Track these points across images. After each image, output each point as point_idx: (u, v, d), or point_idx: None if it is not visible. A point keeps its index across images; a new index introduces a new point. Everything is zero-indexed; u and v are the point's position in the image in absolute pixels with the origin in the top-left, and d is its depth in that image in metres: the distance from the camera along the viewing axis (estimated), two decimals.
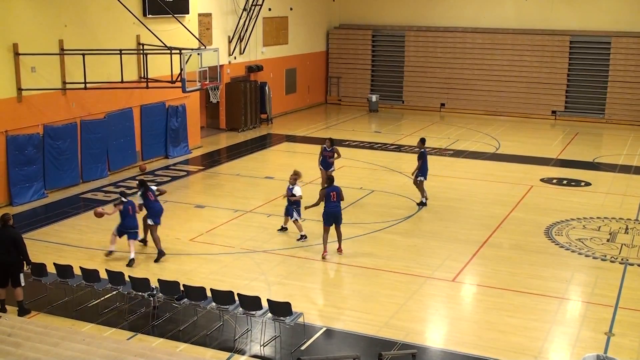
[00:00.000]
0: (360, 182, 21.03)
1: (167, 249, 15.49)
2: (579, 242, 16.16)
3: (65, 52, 19.60)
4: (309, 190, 19.77)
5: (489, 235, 16.65)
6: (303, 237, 16.00)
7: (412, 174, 18.95)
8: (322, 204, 15.26)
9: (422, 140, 19.04)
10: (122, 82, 19.85)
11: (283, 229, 16.58)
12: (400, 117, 33.29)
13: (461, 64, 33.81)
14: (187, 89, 19.73)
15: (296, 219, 16.03)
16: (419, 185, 18.77)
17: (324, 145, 19.18)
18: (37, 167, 19.18)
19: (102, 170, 21.30)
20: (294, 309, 11.35)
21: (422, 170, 18.63)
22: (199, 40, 22.93)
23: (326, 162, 19.07)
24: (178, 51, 19.33)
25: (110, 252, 14.93)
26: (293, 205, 16.02)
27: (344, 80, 36.23)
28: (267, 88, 30.15)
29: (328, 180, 15.60)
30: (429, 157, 18.97)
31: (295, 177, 16.13)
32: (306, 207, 15.67)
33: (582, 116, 32.12)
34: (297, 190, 15.99)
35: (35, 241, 15.71)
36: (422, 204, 18.81)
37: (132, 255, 14.55)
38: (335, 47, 36.22)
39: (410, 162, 23.61)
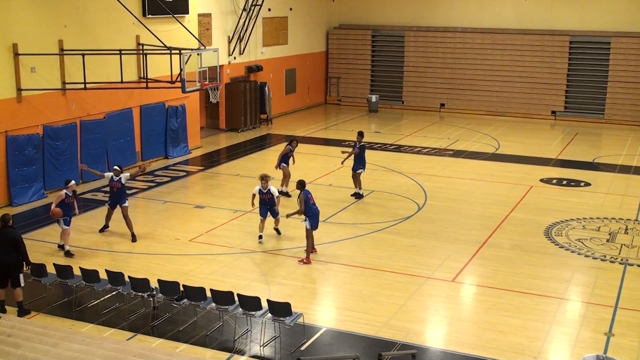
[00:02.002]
0: None
1: (167, 250, 15.52)
2: (579, 243, 16.16)
3: (64, 52, 19.61)
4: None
5: (488, 235, 16.65)
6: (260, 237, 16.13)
7: (342, 163, 19.73)
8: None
9: (361, 134, 19.52)
10: (121, 82, 19.87)
11: (277, 231, 16.46)
12: (400, 117, 33.30)
13: (461, 64, 33.82)
14: (187, 89, 19.73)
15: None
16: (357, 177, 19.36)
17: (290, 146, 19.34)
18: (37, 168, 19.17)
19: (102, 171, 21.22)
20: (293, 310, 11.35)
21: (362, 163, 19.28)
22: (199, 41, 22.93)
23: (288, 160, 19.39)
24: (178, 51, 19.34)
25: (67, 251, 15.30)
26: (273, 206, 16.04)
27: (343, 81, 36.24)
28: (266, 88, 30.16)
29: (300, 184, 15.22)
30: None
31: (267, 179, 15.97)
32: (288, 215, 15.22)
33: (581, 116, 32.13)
34: (275, 191, 16.09)
35: (35, 241, 15.72)
36: (357, 195, 19.43)
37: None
38: (335, 47, 36.22)
39: (411, 162, 23.73)
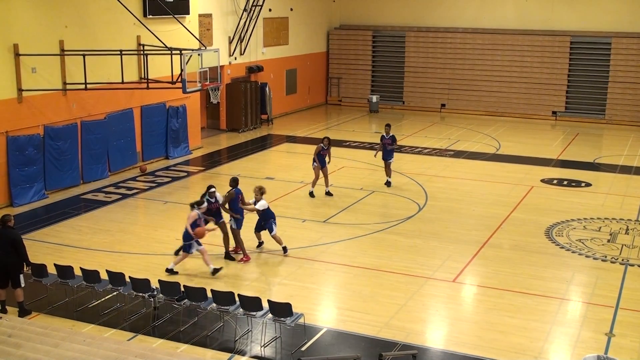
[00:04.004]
0: (360, 182, 21.04)
1: (168, 250, 15.52)
2: (580, 243, 16.15)
3: (65, 52, 19.61)
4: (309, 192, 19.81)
5: (489, 235, 16.65)
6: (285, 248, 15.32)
7: (376, 156, 20.92)
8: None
9: (389, 125, 20.84)
10: (122, 82, 19.86)
11: (260, 244, 15.62)
12: (401, 117, 33.28)
13: (461, 65, 33.82)
14: (188, 90, 19.72)
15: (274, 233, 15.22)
16: (388, 166, 20.67)
17: (322, 144, 19.33)
18: (38, 168, 19.17)
19: (102, 171, 21.31)
20: (294, 310, 11.35)
21: (392, 153, 20.61)
22: (200, 41, 22.94)
23: (323, 160, 19.34)
24: (178, 52, 19.33)
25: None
26: (270, 220, 15.12)
27: (344, 81, 36.24)
28: (267, 89, 30.16)
29: (234, 181, 15.01)
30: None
31: (262, 191, 15.00)
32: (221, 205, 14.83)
33: (582, 117, 32.13)
34: (263, 204, 14.93)
35: (36, 242, 15.72)
36: (388, 183, 20.71)
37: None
38: (335, 47, 36.22)
39: (411, 162, 23.72)
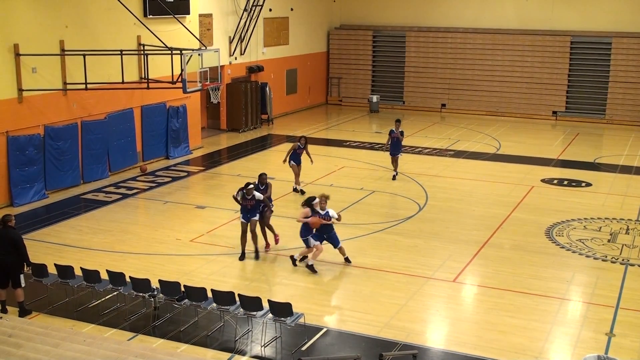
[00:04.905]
0: (361, 182, 21.04)
1: (168, 250, 15.53)
2: (580, 243, 16.15)
3: (66, 52, 19.61)
4: (307, 190, 19.80)
5: (489, 235, 16.64)
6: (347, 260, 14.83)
7: (386, 150, 21.57)
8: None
9: (399, 120, 21.60)
10: (122, 82, 19.85)
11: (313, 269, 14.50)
12: (401, 117, 33.23)
13: (462, 65, 33.81)
14: (188, 90, 19.72)
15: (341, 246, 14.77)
16: (396, 160, 21.45)
17: (298, 143, 19.64)
18: (38, 168, 19.17)
19: (102, 171, 21.30)
20: (294, 310, 11.35)
21: (400, 148, 21.55)
22: (200, 41, 22.94)
23: (298, 158, 19.70)
24: (179, 52, 19.33)
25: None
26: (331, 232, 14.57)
27: (344, 81, 36.23)
28: (267, 88, 30.17)
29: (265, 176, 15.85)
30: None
31: (326, 200, 14.52)
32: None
33: (582, 116, 32.11)
34: (334, 213, 14.51)
35: (36, 242, 15.71)
36: (394, 177, 21.42)
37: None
38: (335, 47, 36.21)
39: (412, 162, 23.70)
